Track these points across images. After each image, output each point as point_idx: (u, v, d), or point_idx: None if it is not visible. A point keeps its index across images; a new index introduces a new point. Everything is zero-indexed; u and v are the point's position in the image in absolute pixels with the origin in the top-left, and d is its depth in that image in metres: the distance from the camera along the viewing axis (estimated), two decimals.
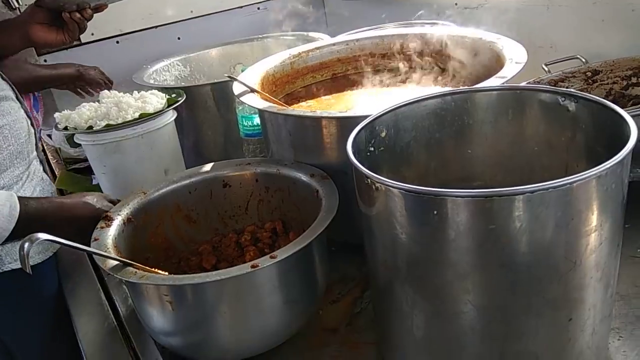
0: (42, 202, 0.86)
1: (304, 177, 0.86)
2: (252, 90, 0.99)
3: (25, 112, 1.03)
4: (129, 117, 1.04)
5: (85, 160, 1.43)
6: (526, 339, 0.53)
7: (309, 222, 0.74)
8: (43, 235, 0.61)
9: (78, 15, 1.04)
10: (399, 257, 0.57)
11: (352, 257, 0.91)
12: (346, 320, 0.79)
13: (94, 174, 1.26)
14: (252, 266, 0.65)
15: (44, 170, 1.09)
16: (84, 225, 0.80)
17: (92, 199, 0.86)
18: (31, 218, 0.82)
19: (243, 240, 0.90)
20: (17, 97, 1.02)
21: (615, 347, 0.65)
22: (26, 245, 0.60)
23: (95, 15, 1.15)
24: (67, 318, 0.92)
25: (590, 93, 1.09)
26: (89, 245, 0.72)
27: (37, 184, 1.02)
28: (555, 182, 0.47)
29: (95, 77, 1.45)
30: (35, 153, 1.05)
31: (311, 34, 1.52)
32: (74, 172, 1.43)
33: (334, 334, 0.77)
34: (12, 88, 1.02)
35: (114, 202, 0.87)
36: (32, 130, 1.04)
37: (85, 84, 1.46)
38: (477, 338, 0.55)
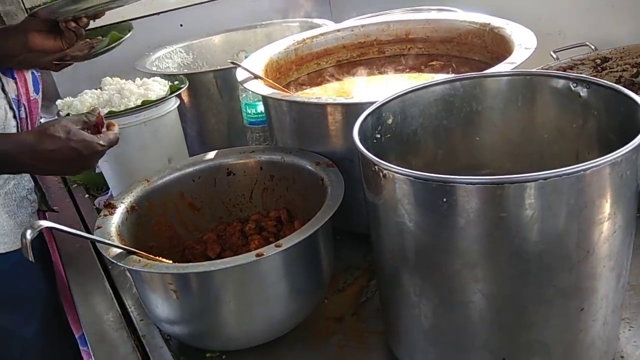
0: None
1: (309, 165, 0.85)
2: (256, 77, 0.97)
3: (8, 102, 0.99)
4: (131, 104, 1.03)
5: None
6: (537, 328, 0.53)
7: (314, 210, 0.73)
8: (45, 223, 0.60)
9: (74, 24, 1.02)
10: (407, 246, 0.56)
11: (357, 246, 0.90)
12: (352, 309, 0.79)
13: None
14: (257, 255, 0.64)
15: None
16: (58, 161, 0.75)
17: (54, 129, 0.78)
18: None
19: (247, 228, 0.89)
20: (2, 89, 0.97)
21: (626, 338, 0.64)
22: (28, 232, 0.59)
23: None
24: (61, 319, 0.91)
25: None
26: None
27: (11, 177, 1.00)
28: (568, 169, 0.46)
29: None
30: None
31: (315, 20, 1.50)
32: None
33: (339, 323, 0.77)
34: None
35: (88, 122, 0.80)
36: (14, 123, 1.00)
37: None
38: (486, 327, 0.54)
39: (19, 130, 1.30)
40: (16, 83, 1.28)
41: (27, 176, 1.05)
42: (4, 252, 0.97)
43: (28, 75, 1.31)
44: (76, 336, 1.41)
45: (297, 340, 0.74)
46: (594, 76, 1.10)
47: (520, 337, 0.53)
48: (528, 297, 0.51)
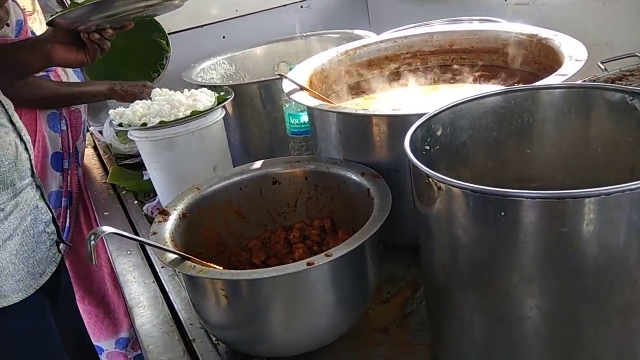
0: None
1: (354, 176, 0.86)
2: (302, 88, 0.99)
3: (19, 135, 0.96)
4: (181, 115, 1.06)
5: (136, 155, 1.47)
6: (594, 346, 0.52)
7: (358, 220, 0.73)
8: (108, 229, 0.63)
9: (97, 35, 0.98)
10: (460, 259, 0.56)
11: (400, 257, 0.90)
12: (397, 320, 0.79)
13: (144, 169, 1.29)
14: (308, 263, 0.65)
15: (42, 198, 1.02)
16: None
17: None
18: None
19: (292, 237, 0.91)
20: (10, 120, 0.94)
21: None
22: (92, 238, 0.61)
23: None
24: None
25: None
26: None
27: (27, 213, 0.95)
28: (631, 185, 0.45)
29: (129, 90, 1.30)
30: (29, 179, 0.98)
31: (356, 31, 1.51)
32: (125, 167, 1.47)
33: (385, 334, 0.77)
34: (5, 110, 0.94)
35: None
36: (26, 156, 0.97)
37: (119, 98, 1.33)
38: (541, 344, 0.54)
39: (62, 142, 1.33)
40: None
41: (44, 208, 1.01)
42: (18, 301, 0.91)
43: None
44: (112, 340, 1.44)
45: (343, 350, 0.75)
46: None
47: (577, 355, 0.52)
48: (586, 314, 0.50)
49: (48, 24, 1.01)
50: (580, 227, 0.46)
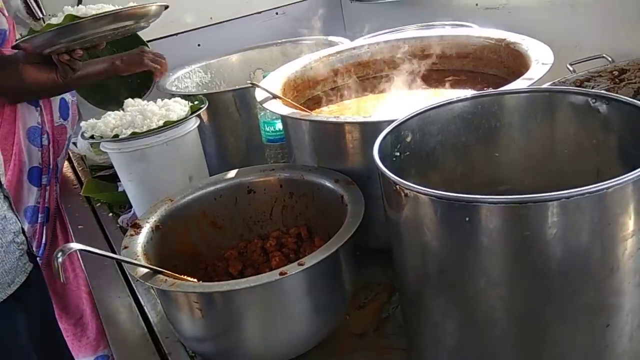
0: None
1: (328, 183, 0.86)
2: (275, 97, 0.99)
3: None
4: (154, 125, 1.05)
5: (111, 167, 1.45)
6: (562, 346, 0.52)
7: (334, 227, 0.74)
8: (76, 245, 0.62)
9: (67, 57, 0.97)
10: (429, 265, 0.56)
11: (377, 261, 0.91)
12: (374, 325, 0.79)
13: (119, 181, 1.27)
14: (281, 273, 0.65)
15: (11, 208, 1.01)
16: None
17: None
18: None
19: (268, 245, 0.91)
20: None
21: None
22: (59, 255, 0.61)
23: None
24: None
25: (617, 93, 1.08)
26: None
27: None
28: (591, 188, 0.46)
29: (129, 60, 1.23)
30: None
31: (330, 38, 1.52)
32: (100, 179, 1.45)
33: (361, 339, 0.77)
34: None
35: None
36: None
37: (122, 70, 1.26)
38: (510, 345, 0.54)
39: (42, 157, 1.31)
40: (40, 111, 1.29)
41: (12, 218, 1.00)
42: None
43: (55, 102, 1.33)
44: (92, 357, 1.42)
45: (320, 357, 0.75)
46: (611, 88, 1.10)
47: (545, 355, 0.53)
48: (552, 315, 0.51)
49: (14, 47, 1.00)
50: (543, 230, 0.47)
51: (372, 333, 0.78)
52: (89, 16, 0.96)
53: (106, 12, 0.98)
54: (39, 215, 1.32)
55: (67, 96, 1.37)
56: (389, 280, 0.88)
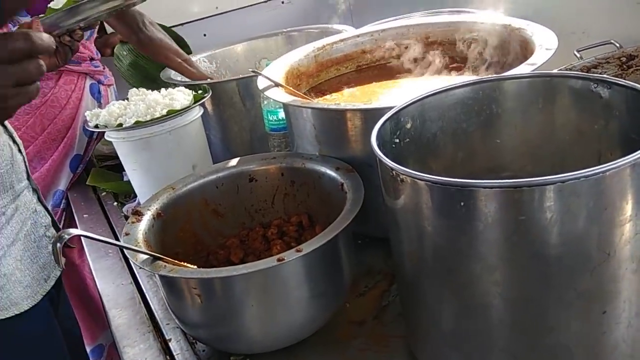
0: None
1: (329, 171, 0.86)
2: (277, 85, 0.99)
3: (11, 136, 0.93)
4: (157, 114, 1.06)
5: (116, 157, 1.46)
6: (558, 332, 0.52)
7: (335, 215, 0.73)
8: (74, 231, 0.63)
9: (68, 38, 0.97)
10: (426, 250, 0.56)
11: (378, 250, 0.91)
12: (373, 313, 0.79)
13: (124, 171, 1.28)
14: (278, 259, 0.65)
15: (40, 201, 0.99)
16: None
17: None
18: None
19: (270, 233, 0.91)
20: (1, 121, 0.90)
21: None
22: (58, 241, 0.61)
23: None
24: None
25: (625, 79, 1.06)
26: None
27: (28, 217, 0.93)
28: (587, 171, 0.45)
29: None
30: (25, 182, 0.95)
31: (335, 26, 1.50)
32: (106, 169, 1.47)
33: (361, 327, 0.77)
34: None
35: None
36: (20, 157, 0.94)
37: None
38: (507, 331, 0.54)
39: (86, 146, 1.46)
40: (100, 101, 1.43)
41: (42, 212, 0.99)
42: (28, 308, 0.89)
43: (111, 92, 1.50)
44: (88, 349, 1.45)
45: (319, 344, 0.75)
46: (619, 74, 1.09)
47: (542, 340, 0.53)
48: (549, 300, 0.51)
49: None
50: (538, 215, 0.47)
51: (371, 321, 0.78)
52: None
53: None
54: (63, 201, 1.42)
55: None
56: (389, 268, 0.87)
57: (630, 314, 0.53)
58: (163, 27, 1.51)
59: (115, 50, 1.61)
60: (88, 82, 1.49)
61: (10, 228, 0.89)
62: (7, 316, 0.86)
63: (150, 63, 1.57)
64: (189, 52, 1.55)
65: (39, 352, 0.96)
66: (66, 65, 1.39)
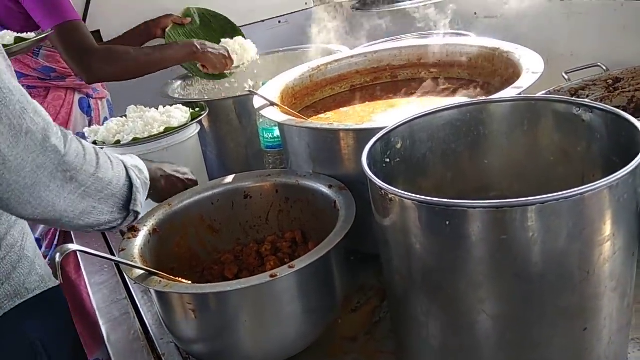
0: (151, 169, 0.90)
1: (322, 188, 0.88)
2: (272, 104, 1.01)
3: None
4: (155, 131, 1.08)
5: None
6: (541, 348, 0.54)
7: (328, 232, 0.75)
8: (73, 246, 0.64)
9: None
10: (414, 267, 0.58)
11: (370, 266, 0.92)
12: (365, 329, 0.80)
13: None
14: (271, 275, 0.67)
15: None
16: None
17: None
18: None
19: (264, 250, 0.92)
20: None
21: (636, 358, 0.65)
22: (57, 256, 0.63)
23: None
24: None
25: (611, 101, 1.10)
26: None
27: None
28: (566, 193, 0.48)
29: (208, 56, 1.39)
30: None
31: (330, 46, 1.54)
32: None
33: (353, 343, 0.78)
34: None
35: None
36: None
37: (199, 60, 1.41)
38: (492, 348, 0.56)
39: None
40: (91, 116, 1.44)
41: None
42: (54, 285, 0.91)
43: (104, 106, 1.53)
44: None
45: (312, 359, 0.76)
46: (606, 97, 1.12)
47: (526, 356, 0.55)
48: (531, 317, 0.52)
49: None
50: (520, 234, 0.49)
51: (363, 336, 0.79)
52: None
53: None
54: None
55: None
56: (381, 285, 0.89)
57: (612, 331, 0.55)
58: (208, 11, 1.60)
59: (167, 30, 1.58)
60: (77, 96, 1.49)
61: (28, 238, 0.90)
62: (47, 288, 0.88)
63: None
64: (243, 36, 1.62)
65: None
66: (51, 82, 1.43)
